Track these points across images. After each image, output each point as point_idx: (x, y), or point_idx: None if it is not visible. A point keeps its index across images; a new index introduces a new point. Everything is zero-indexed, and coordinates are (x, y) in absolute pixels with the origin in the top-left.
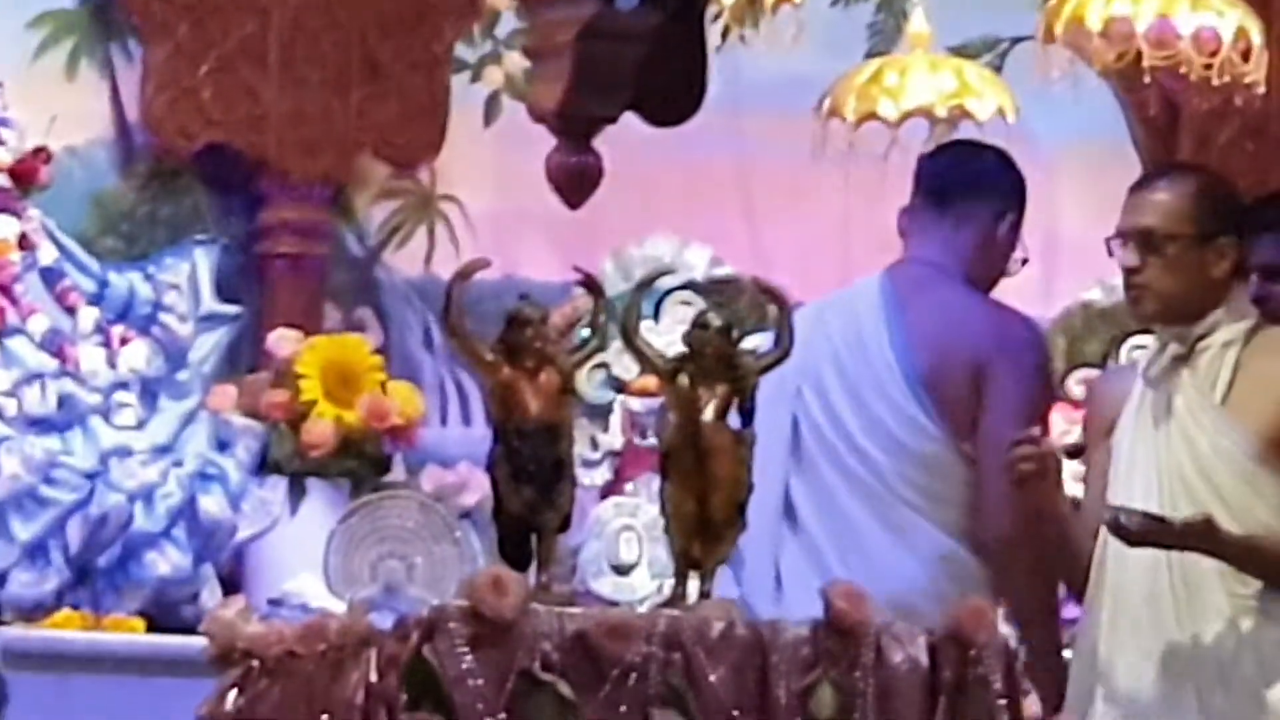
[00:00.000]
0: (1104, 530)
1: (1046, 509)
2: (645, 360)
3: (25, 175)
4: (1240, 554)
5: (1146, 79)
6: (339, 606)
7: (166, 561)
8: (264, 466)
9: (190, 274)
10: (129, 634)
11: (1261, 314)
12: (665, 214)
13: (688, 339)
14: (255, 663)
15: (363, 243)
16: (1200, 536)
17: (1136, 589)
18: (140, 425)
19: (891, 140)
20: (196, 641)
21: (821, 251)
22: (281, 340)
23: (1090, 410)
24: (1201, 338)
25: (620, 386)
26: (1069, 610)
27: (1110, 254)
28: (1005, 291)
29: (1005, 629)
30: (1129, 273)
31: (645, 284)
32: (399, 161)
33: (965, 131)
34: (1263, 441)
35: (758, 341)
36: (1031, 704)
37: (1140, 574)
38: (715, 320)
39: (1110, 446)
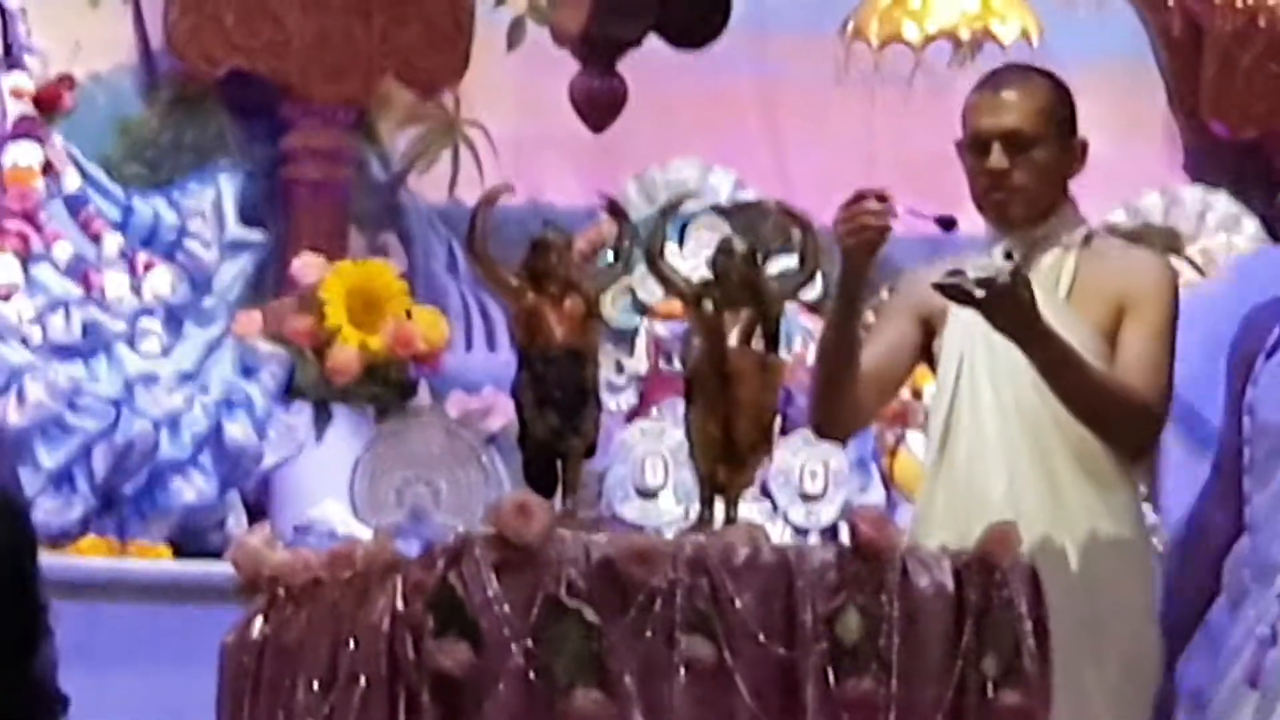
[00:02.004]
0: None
1: (863, 276)
2: (670, 285)
3: (49, 102)
4: (1054, 347)
5: (1170, 1)
6: (365, 533)
7: (192, 488)
8: (289, 393)
9: (214, 200)
10: (155, 560)
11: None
12: (689, 138)
13: (712, 263)
14: (281, 590)
15: (387, 168)
16: (1026, 306)
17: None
18: (165, 352)
19: (916, 63)
20: (222, 568)
21: (846, 175)
22: (306, 266)
23: (905, 289)
24: (1042, 239)
25: (645, 311)
26: None
27: (963, 157)
28: None
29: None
30: (998, 175)
31: (670, 208)
32: (422, 86)
33: (989, 54)
34: (1100, 339)
35: (783, 265)
36: None
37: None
38: (740, 244)
39: (912, 323)
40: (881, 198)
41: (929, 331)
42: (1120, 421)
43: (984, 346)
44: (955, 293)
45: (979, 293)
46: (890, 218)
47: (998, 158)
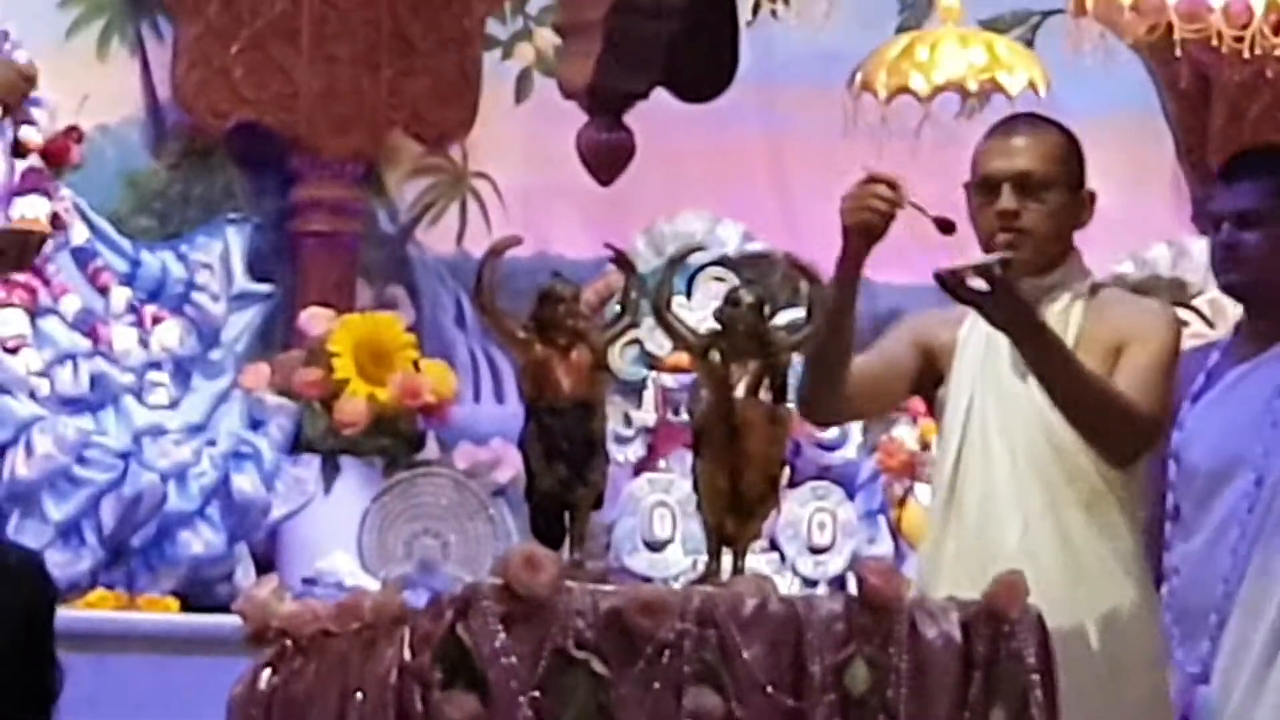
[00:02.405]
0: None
1: (860, 258)
2: (677, 336)
3: (57, 155)
4: (1050, 343)
5: (1178, 52)
6: (373, 584)
7: (200, 541)
8: (298, 445)
9: (223, 253)
10: (163, 613)
11: (1232, 261)
12: (697, 190)
13: (720, 315)
14: (289, 641)
15: (395, 220)
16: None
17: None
18: (173, 404)
19: (923, 115)
20: (231, 620)
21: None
22: (314, 318)
23: (911, 321)
24: (1049, 288)
25: (653, 363)
26: None
27: (971, 200)
28: None
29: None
30: (1008, 216)
31: (677, 260)
32: (430, 139)
33: (996, 105)
34: None
35: (790, 317)
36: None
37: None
38: (747, 296)
39: (912, 349)
40: (892, 185)
41: (927, 363)
42: (1111, 426)
43: (994, 395)
44: (955, 284)
45: (978, 282)
46: (896, 206)
47: (1008, 199)
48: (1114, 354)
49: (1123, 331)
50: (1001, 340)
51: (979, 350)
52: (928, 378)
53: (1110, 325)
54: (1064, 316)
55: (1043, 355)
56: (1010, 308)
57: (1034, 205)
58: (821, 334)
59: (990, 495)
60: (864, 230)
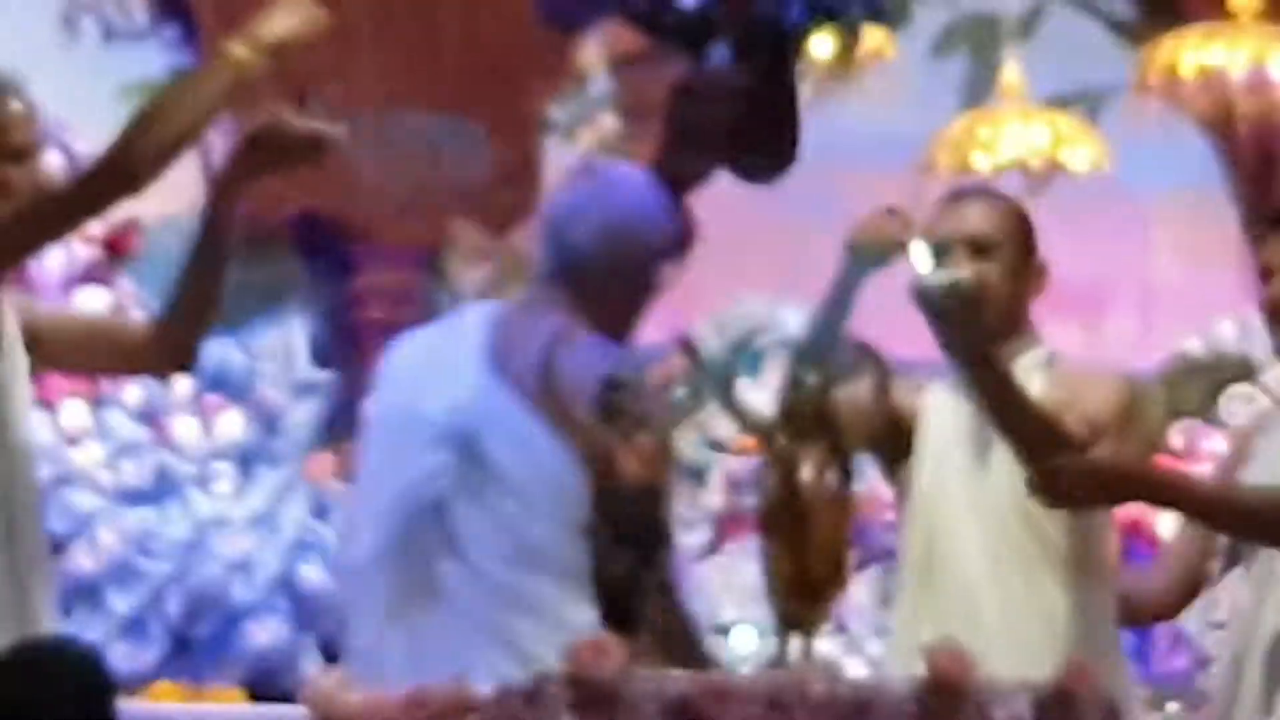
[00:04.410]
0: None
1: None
2: (742, 420)
3: (117, 246)
4: (1000, 369)
5: (1240, 126)
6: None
7: (266, 631)
8: None
9: (284, 342)
10: (229, 704)
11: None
12: (759, 271)
13: (784, 398)
14: None
15: (457, 306)
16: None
17: None
18: (237, 495)
19: None
20: (297, 711)
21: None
22: None
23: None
24: (1009, 357)
25: (718, 447)
26: None
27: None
28: (1103, 342)
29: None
30: None
31: (741, 343)
32: (492, 224)
33: (1060, 183)
34: None
35: None
36: None
37: None
38: (811, 378)
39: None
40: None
41: (896, 426)
42: (1047, 451)
43: (961, 475)
44: (929, 299)
45: (946, 301)
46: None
47: (959, 259)
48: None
49: (1081, 398)
50: (963, 418)
51: (944, 426)
52: (884, 438)
53: (1069, 392)
54: (1024, 382)
55: (992, 379)
56: (970, 326)
57: (987, 266)
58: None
59: (965, 573)
60: (869, 254)
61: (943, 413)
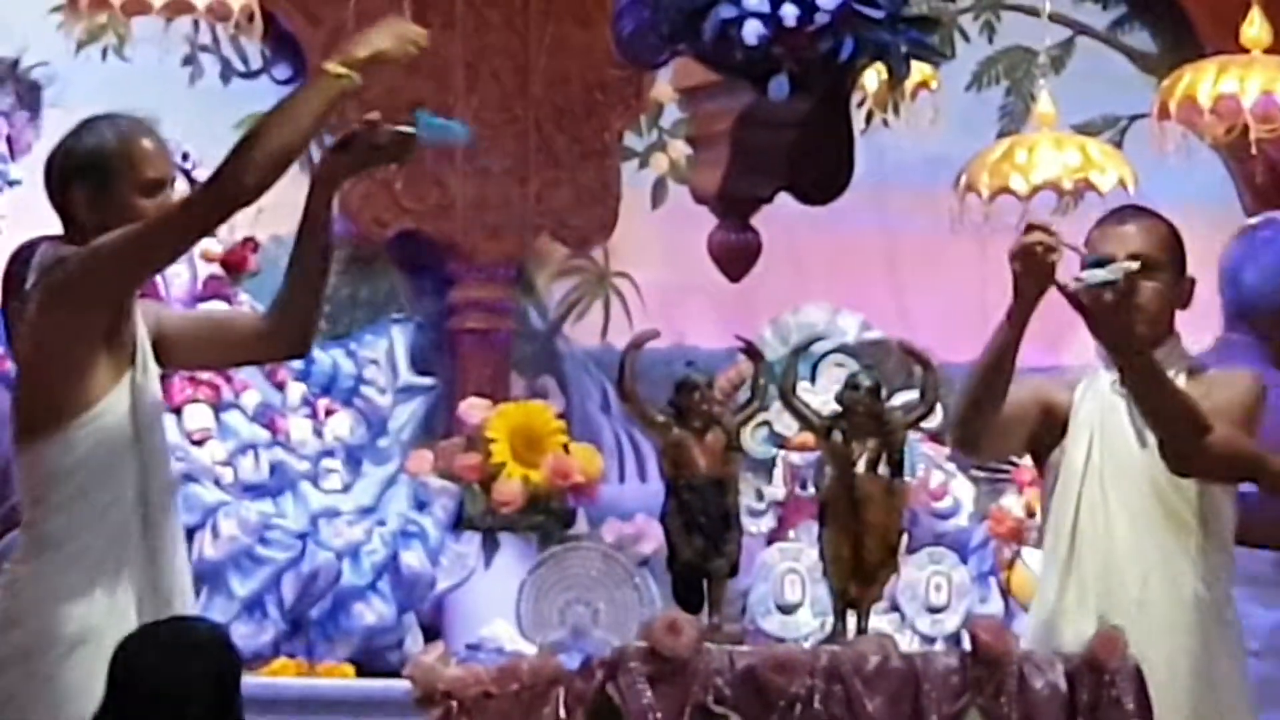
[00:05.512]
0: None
1: (1031, 306)
2: (802, 418)
3: (235, 264)
4: (1150, 360)
5: (1254, 150)
6: (530, 649)
7: (373, 612)
8: (459, 523)
9: (388, 350)
10: (340, 679)
11: None
12: (818, 284)
13: (841, 398)
14: (454, 703)
15: (544, 317)
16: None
17: None
18: (346, 489)
19: (1023, 212)
20: (401, 684)
21: (961, 315)
22: (472, 408)
23: (1039, 379)
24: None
25: (781, 442)
26: None
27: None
28: None
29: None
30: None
31: (801, 349)
32: (575, 242)
33: (1089, 202)
34: None
35: (905, 398)
36: None
37: None
38: (865, 380)
39: (1035, 403)
40: (1048, 230)
41: (1046, 419)
42: (1190, 438)
43: (1110, 457)
44: (1081, 296)
45: (1106, 295)
46: (1055, 251)
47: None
48: None
49: (1211, 394)
50: (1115, 406)
51: (1093, 414)
52: (1043, 433)
53: (1205, 387)
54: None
55: (1142, 374)
56: (1124, 323)
57: (1147, 284)
58: (982, 371)
59: (1109, 550)
60: (1035, 274)
61: (1091, 405)
